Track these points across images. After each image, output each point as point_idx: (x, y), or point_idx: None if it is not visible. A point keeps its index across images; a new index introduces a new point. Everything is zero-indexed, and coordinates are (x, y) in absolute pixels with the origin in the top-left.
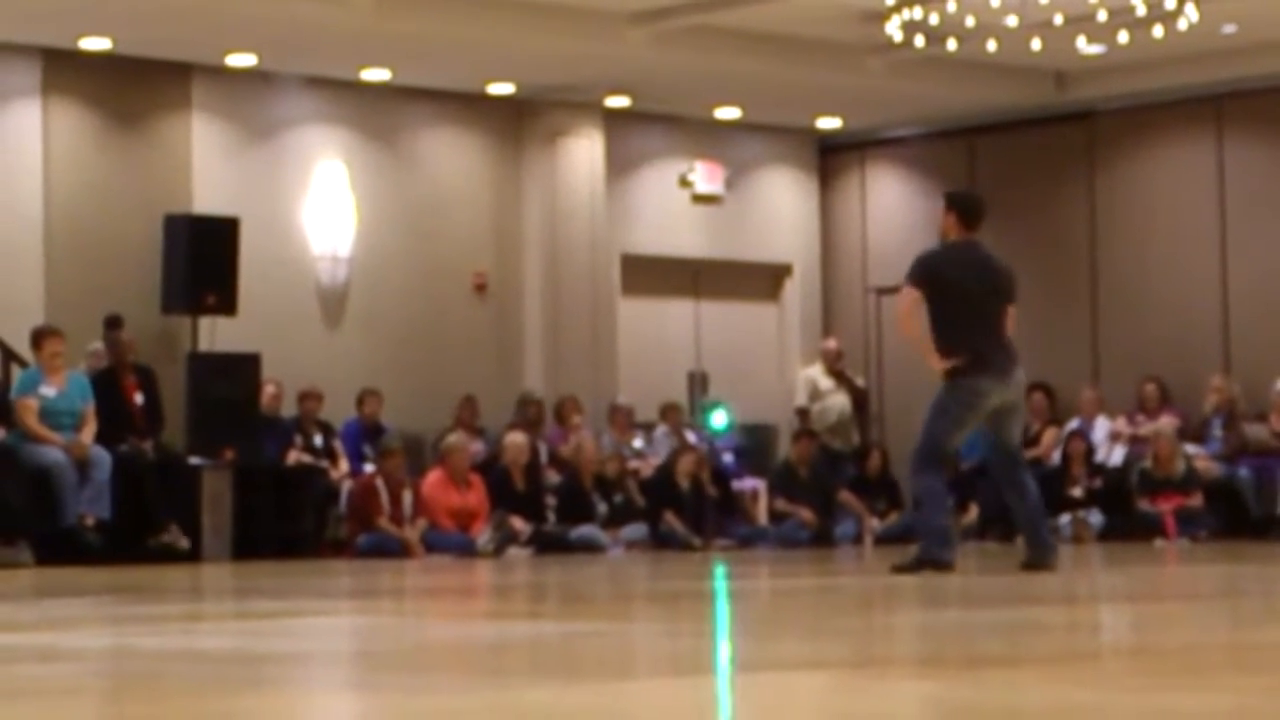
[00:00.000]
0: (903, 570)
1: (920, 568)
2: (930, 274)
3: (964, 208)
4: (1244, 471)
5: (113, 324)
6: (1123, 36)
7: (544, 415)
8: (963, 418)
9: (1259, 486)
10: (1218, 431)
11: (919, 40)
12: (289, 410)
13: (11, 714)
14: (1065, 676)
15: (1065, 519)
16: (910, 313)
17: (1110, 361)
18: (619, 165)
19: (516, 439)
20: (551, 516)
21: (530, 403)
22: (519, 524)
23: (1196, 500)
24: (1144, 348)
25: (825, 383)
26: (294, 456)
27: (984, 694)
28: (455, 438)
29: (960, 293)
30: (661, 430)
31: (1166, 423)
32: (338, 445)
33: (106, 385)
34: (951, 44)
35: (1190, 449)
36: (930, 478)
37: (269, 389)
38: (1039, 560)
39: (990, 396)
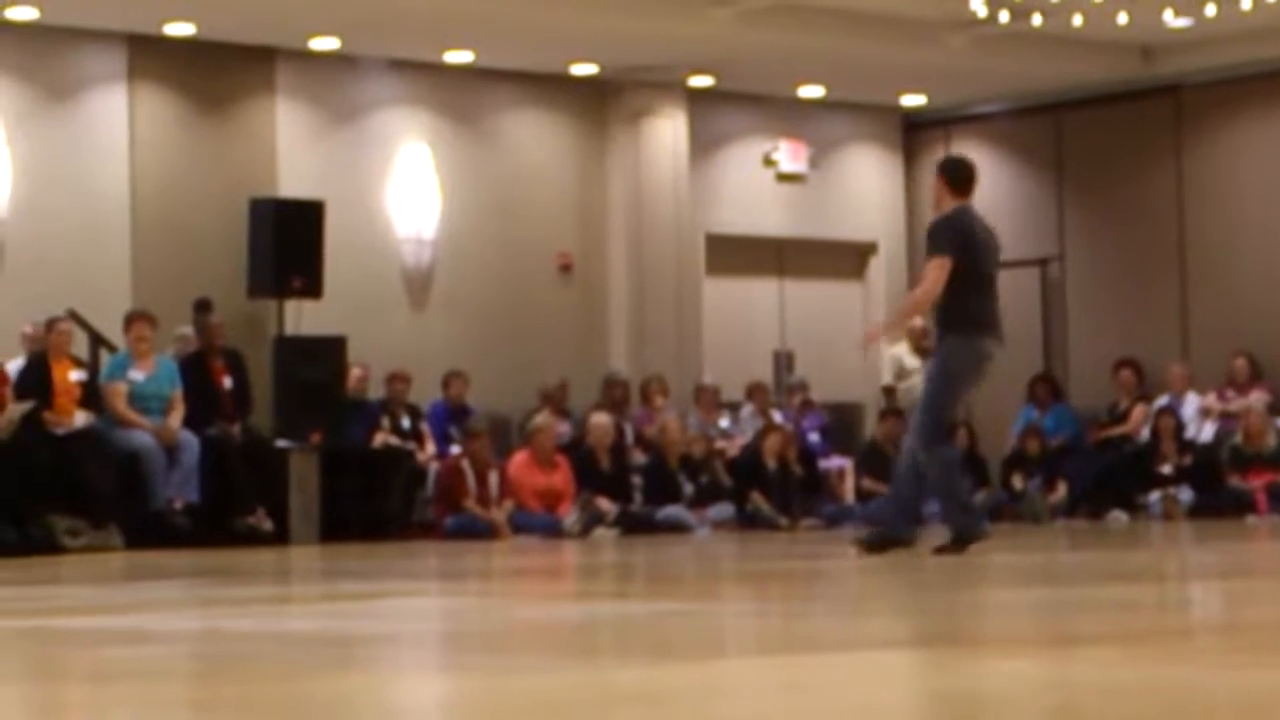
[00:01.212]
0: (944, 551)
1: (961, 547)
2: (965, 244)
3: (952, 174)
4: None
5: (202, 308)
6: (1210, 9)
7: (629, 396)
8: (969, 381)
9: None
10: None
11: (1003, 15)
12: (375, 393)
13: (103, 696)
14: (1155, 654)
15: (1155, 496)
16: (940, 282)
17: (1199, 337)
18: (703, 145)
19: (601, 420)
20: (638, 497)
21: (616, 383)
22: (605, 505)
23: None
24: (1233, 322)
25: (911, 361)
26: (380, 439)
27: (1074, 672)
28: (542, 418)
29: (981, 260)
30: (747, 410)
31: (1257, 398)
32: (424, 427)
33: (195, 369)
34: (1036, 19)
35: None
36: (947, 448)
37: (355, 372)
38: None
39: (992, 360)
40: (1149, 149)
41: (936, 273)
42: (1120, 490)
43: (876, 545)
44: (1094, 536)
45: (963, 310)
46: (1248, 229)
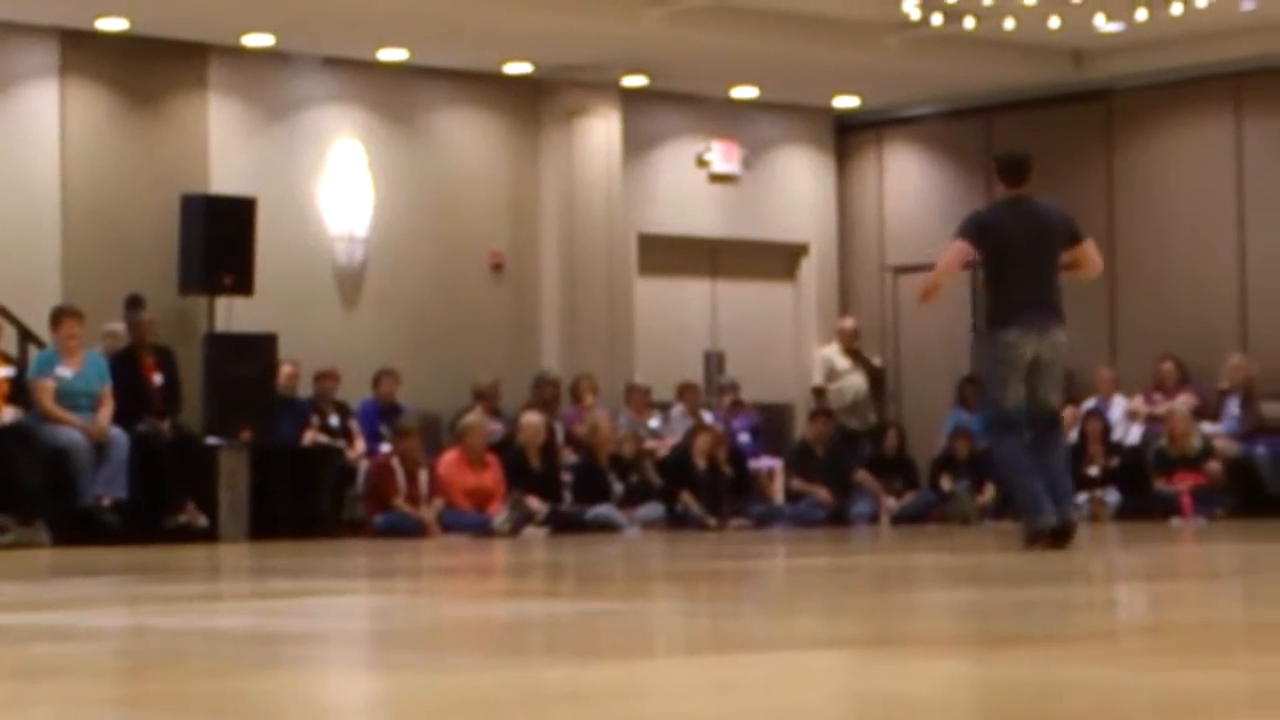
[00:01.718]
0: (1029, 547)
1: (1033, 543)
2: (977, 228)
3: (1000, 166)
4: (1261, 450)
5: (134, 304)
6: (1141, 14)
7: (560, 395)
8: (1003, 373)
9: (1276, 464)
10: (1235, 410)
11: (936, 18)
12: (306, 390)
13: (30, 693)
14: (1082, 655)
15: (1082, 498)
16: (951, 263)
17: (1127, 340)
18: (636, 145)
19: (533, 419)
20: (568, 496)
21: (546, 383)
22: (535, 504)
23: (1213, 479)
24: (1161, 326)
25: (842, 362)
26: (310, 436)
27: (1001, 672)
28: (473, 417)
29: (1004, 247)
30: (678, 410)
31: (1183, 401)
32: (354, 425)
33: (125, 365)
34: (969, 22)
35: (1207, 428)
36: (1004, 443)
37: (286, 369)
38: (1056, 529)
39: (1021, 348)
40: (1079, 152)
41: (947, 254)
42: None
43: (1029, 540)
44: (1021, 538)
45: (987, 306)
46: (1177, 233)
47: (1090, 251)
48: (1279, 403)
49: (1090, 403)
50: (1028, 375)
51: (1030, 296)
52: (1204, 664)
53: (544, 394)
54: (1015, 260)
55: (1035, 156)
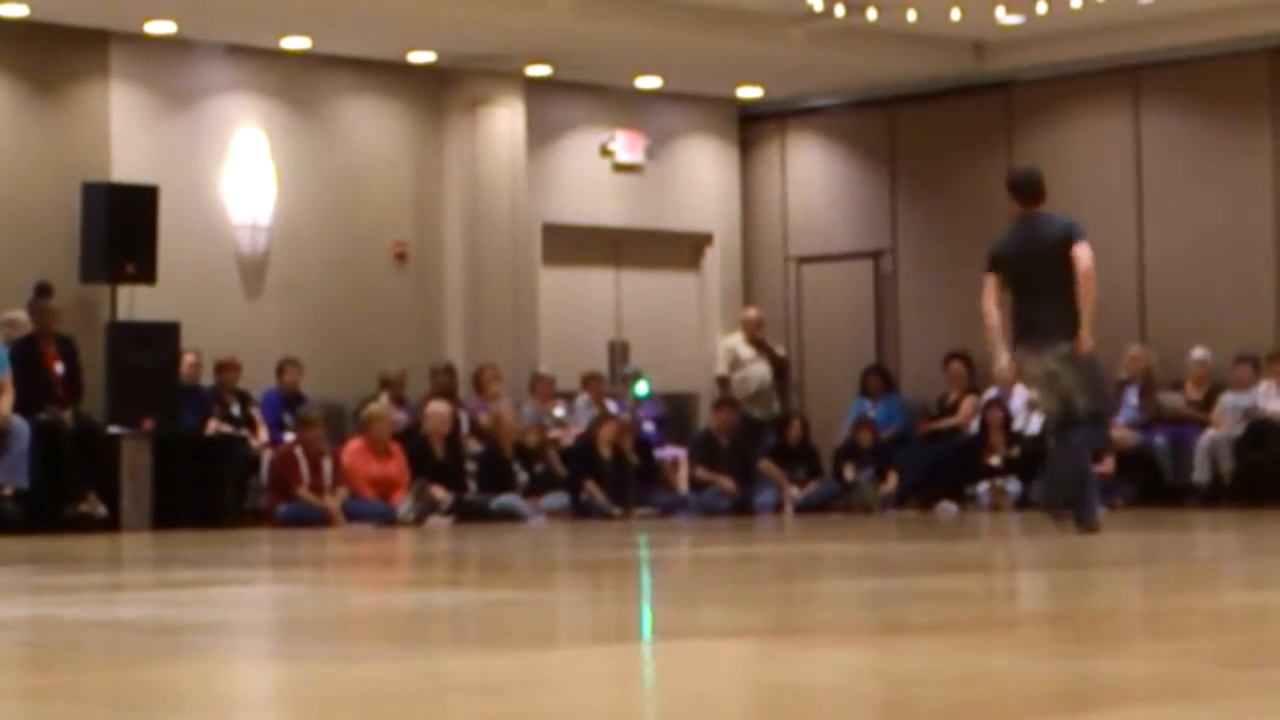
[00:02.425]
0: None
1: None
2: (992, 258)
3: (1011, 186)
4: (1159, 440)
5: (42, 292)
6: (1041, 7)
7: (457, 384)
8: (1034, 390)
9: (1174, 454)
10: (1134, 400)
11: (839, 10)
12: (209, 379)
13: None
14: (982, 643)
15: (983, 487)
16: (986, 302)
17: None
18: (540, 134)
19: (438, 408)
20: (472, 485)
21: (442, 372)
22: (439, 493)
23: (1111, 468)
24: None
25: (745, 352)
26: (213, 426)
27: (901, 661)
28: (377, 406)
29: (1012, 270)
30: (583, 399)
31: None
32: (257, 414)
33: (27, 354)
34: (871, 14)
35: None
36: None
37: (189, 358)
38: (1079, 523)
39: (1029, 366)
40: (981, 144)
41: (982, 294)
42: (950, 481)
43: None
44: (923, 527)
45: (1011, 325)
46: None
47: (1076, 253)
48: (1177, 393)
49: (991, 392)
50: (1055, 388)
51: (1027, 317)
52: (1104, 652)
53: (439, 383)
54: (1017, 283)
55: (1043, 173)
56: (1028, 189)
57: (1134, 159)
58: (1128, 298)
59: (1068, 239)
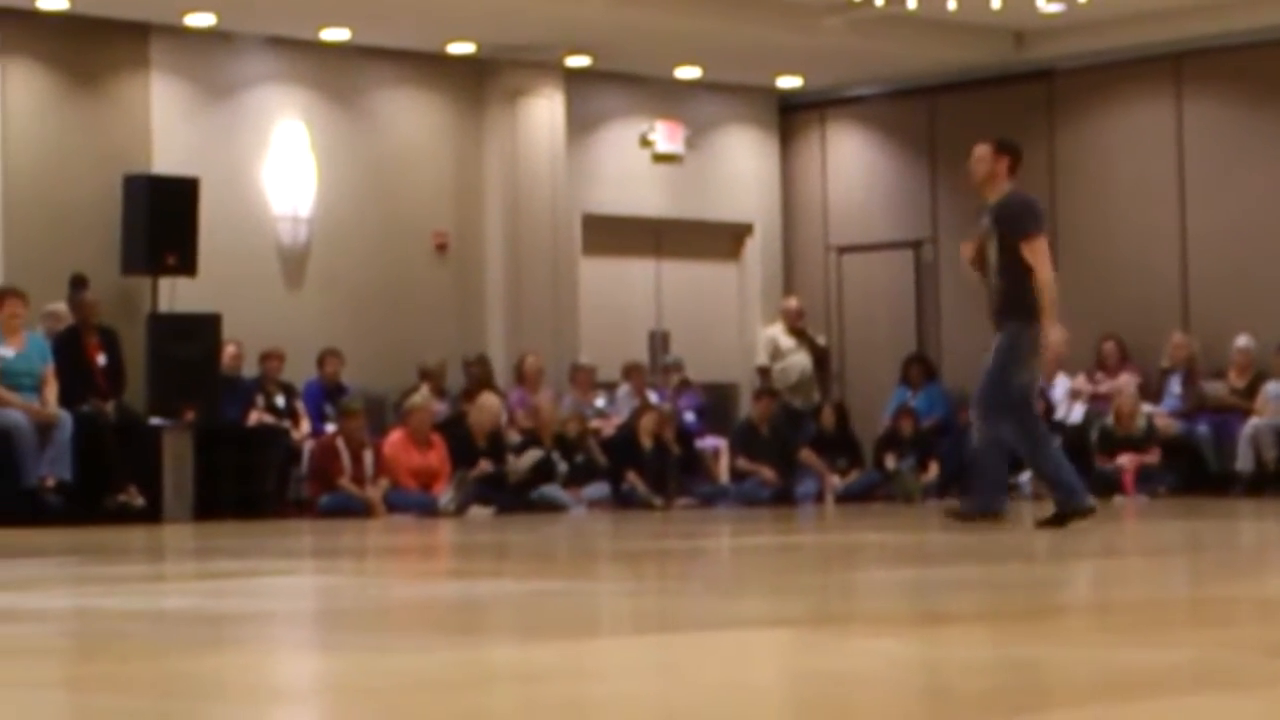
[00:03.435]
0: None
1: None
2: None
3: (1016, 154)
4: (1202, 428)
5: (78, 284)
6: None
7: (491, 376)
8: (1026, 365)
9: (1217, 443)
10: (1177, 389)
11: None
12: (250, 371)
13: None
14: (1024, 633)
15: (1025, 476)
16: (1047, 268)
17: (1069, 319)
18: (579, 125)
19: (489, 401)
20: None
21: (474, 363)
22: (486, 466)
23: (1155, 457)
24: (1103, 306)
25: (786, 341)
26: (255, 417)
27: (942, 651)
28: (419, 397)
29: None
30: (624, 390)
31: (1127, 380)
32: (299, 405)
33: (69, 346)
34: (911, 2)
35: (1149, 407)
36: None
37: (230, 349)
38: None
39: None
40: (1022, 133)
41: (1043, 259)
42: None
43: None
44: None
45: (1028, 294)
46: (1118, 213)
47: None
48: (1220, 381)
49: None
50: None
51: (993, 290)
52: (1148, 641)
53: (475, 374)
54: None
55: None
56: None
57: (1176, 147)
58: (1170, 285)
59: (1006, 226)
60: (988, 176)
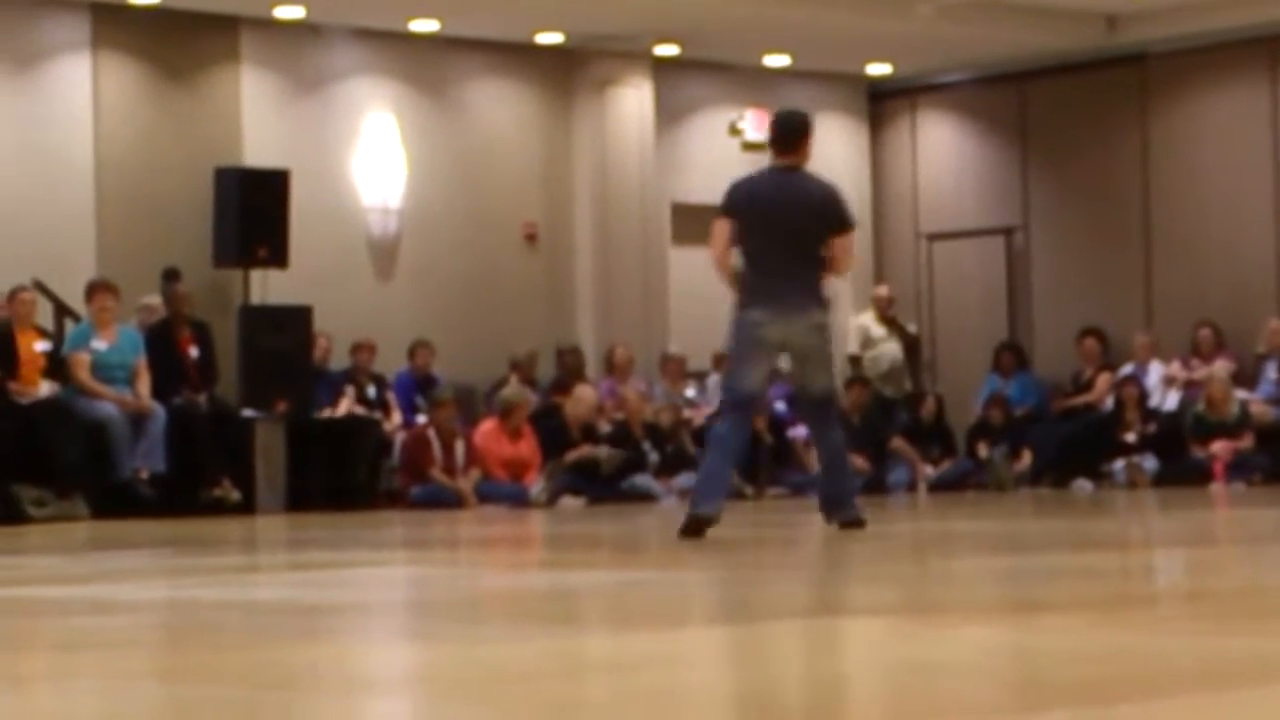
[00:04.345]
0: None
1: (685, 533)
2: (733, 203)
3: (775, 126)
4: None
5: (170, 277)
6: None
7: (583, 366)
8: (742, 352)
9: None
10: (1272, 375)
11: None
12: (341, 362)
13: (70, 666)
14: (1119, 621)
15: (1119, 464)
16: (713, 246)
17: (1164, 306)
18: (668, 114)
19: (586, 394)
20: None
21: (568, 353)
22: (602, 451)
23: (1249, 444)
24: (1198, 291)
25: (877, 330)
26: (346, 408)
27: (1038, 639)
28: (514, 390)
29: (759, 220)
30: (714, 379)
31: (1220, 366)
32: (390, 397)
33: (161, 339)
34: None
35: (1243, 393)
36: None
37: (321, 341)
38: (841, 518)
39: (770, 331)
40: (1113, 118)
41: (713, 240)
42: (1085, 458)
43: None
44: (1059, 504)
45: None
46: (1211, 198)
47: (838, 249)
48: None
49: (1127, 368)
50: (797, 358)
51: (771, 281)
52: (1245, 630)
53: (568, 364)
54: (761, 241)
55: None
56: (788, 137)
57: (1271, 132)
58: (1266, 271)
59: (840, 222)
60: (808, 154)
